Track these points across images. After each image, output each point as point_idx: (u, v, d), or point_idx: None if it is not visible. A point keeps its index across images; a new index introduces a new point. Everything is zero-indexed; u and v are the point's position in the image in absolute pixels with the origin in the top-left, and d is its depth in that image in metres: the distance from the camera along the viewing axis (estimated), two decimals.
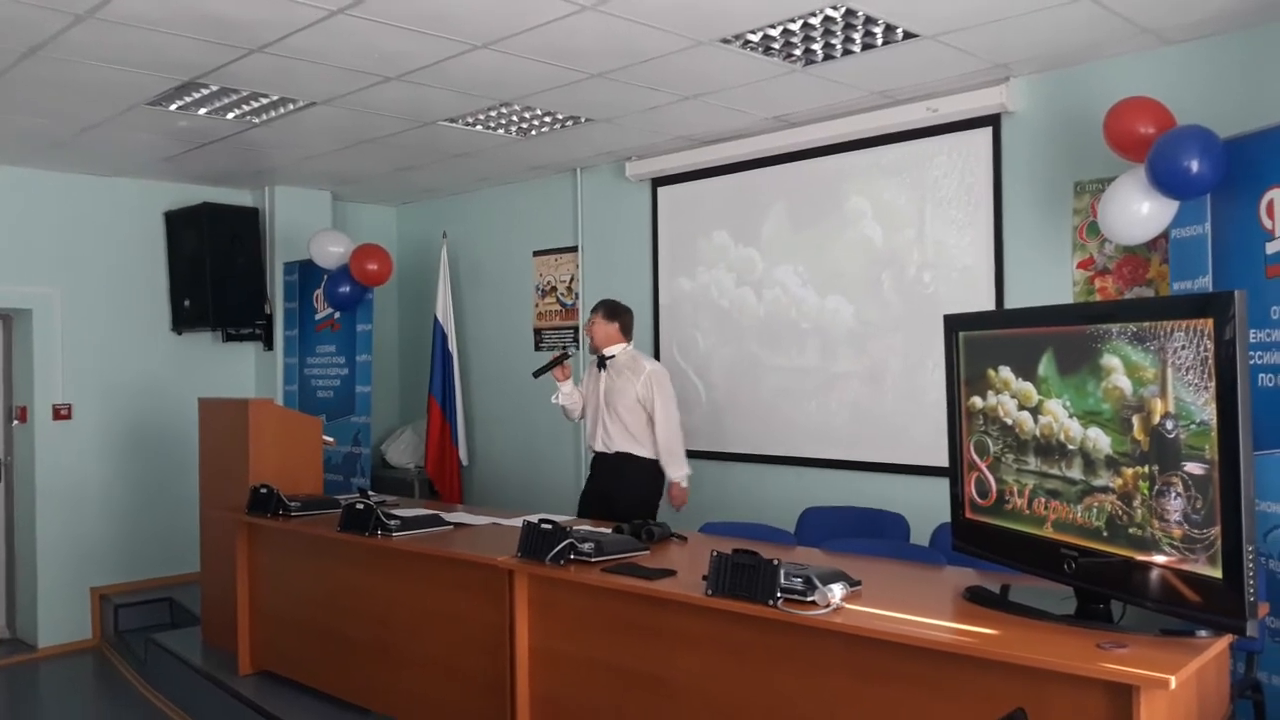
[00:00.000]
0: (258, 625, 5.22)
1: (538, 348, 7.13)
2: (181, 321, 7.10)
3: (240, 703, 4.96)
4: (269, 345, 7.38)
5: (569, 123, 5.62)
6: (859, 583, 2.98)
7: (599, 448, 5.25)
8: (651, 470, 5.17)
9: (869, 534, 4.32)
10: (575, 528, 3.79)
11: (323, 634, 4.77)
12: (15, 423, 6.84)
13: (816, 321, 5.67)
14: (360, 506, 4.49)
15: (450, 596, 4.03)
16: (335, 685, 4.71)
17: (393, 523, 4.39)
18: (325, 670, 4.78)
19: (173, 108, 5.21)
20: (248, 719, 4.88)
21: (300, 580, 4.96)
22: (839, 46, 4.36)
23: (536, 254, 7.19)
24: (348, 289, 6.69)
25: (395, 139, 5.96)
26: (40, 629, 6.66)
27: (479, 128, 5.71)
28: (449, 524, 4.57)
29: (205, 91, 4.95)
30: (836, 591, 2.80)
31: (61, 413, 6.72)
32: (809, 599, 2.80)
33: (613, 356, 5.24)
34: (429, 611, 4.15)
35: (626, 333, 5.29)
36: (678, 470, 5.17)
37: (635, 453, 5.15)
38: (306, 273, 7.16)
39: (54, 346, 6.70)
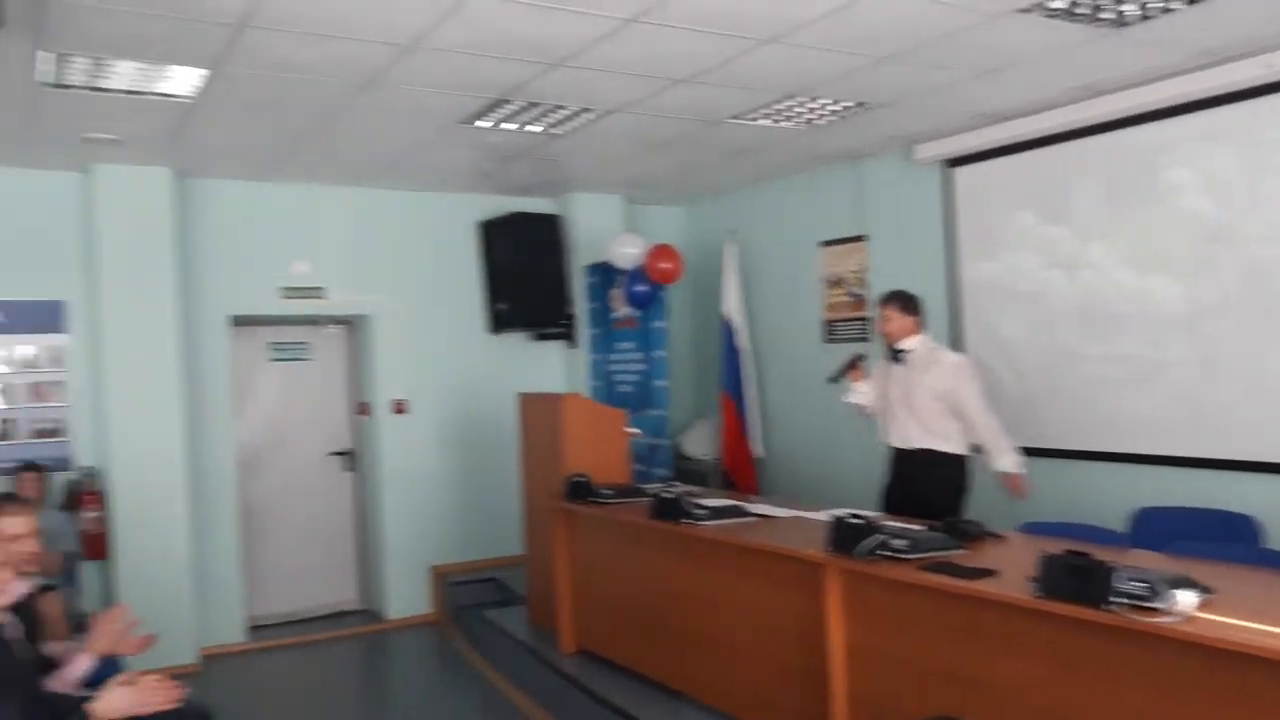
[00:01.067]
0: (577, 606, 5.57)
1: (829, 340, 7.09)
2: (497, 323, 7.69)
3: (564, 679, 5.31)
4: (574, 343, 7.84)
5: (855, 110, 5.54)
6: (1212, 590, 2.73)
7: (897, 444, 5.09)
8: (957, 465, 4.96)
9: (1214, 538, 3.95)
10: (884, 523, 3.74)
11: (638, 617, 5.00)
12: (361, 417, 7.70)
13: (1138, 304, 5.25)
14: (668, 495, 4.67)
15: (760, 586, 4.10)
16: (651, 667, 4.91)
17: (700, 511, 4.53)
18: (641, 652, 5.00)
19: (483, 125, 5.64)
20: (571, 695, 5.21)
21: (615, 564, 5.23)
22: (1158, 5, 4.01)
23: (823, 245, 7.14)
24: (643, 288, 6.98)
25: (683, 140, 6.13)
26: (389, 602, 7.47)
27: (765, 122, 5.75)
28: (752, 515, 4.66)
29: (511, 108, 5.32)
30: (1187, 599, 2.59)
31: (399, 407, 7.49)
32: (1154, 605, 2.61)
33: (909, 350, 5.04)
34: (739, 599, 4.24)
35: (921, 324, 5.10)
36: (1007, 458, 4.83)
37: (938, 448, 4.95)
38: (604, 274, 7.54)
39: (390, 349, 7.48)
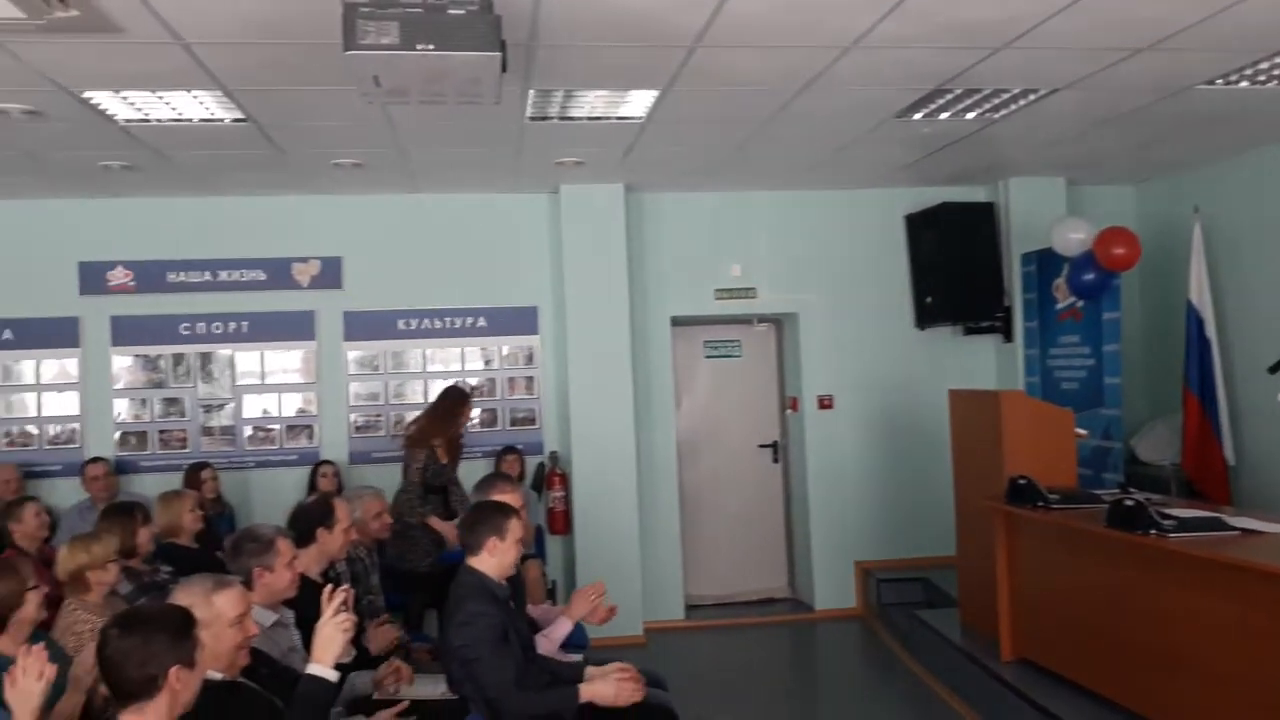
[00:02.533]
0: (1018, 614, 5.31)
1: None
2: (924, 318, 7.54)
3: (1003, 687, 5.10)
4: (1008, 337, 7.46)
5: None
6: None
7: None
8: None
9: None
10: None
11: (1087, 630, 4.67)
12: (789, 411, 7.92)
13: None
14: (1130, 503, 4.30)
15: (1241, 608, 3.65)
16: (1102, 683, 4.58)
17: (1168, 522, 4.12)
18: (1091, 667, 4.68)
19: (917, 116, 5.55)
20: (1010, 703, 5.00)
21: (1063, 573, 4.92)
22: None
23: None
24: (1092, 276, 6.44)
25: (1139, 114, 5.59)
26: (816, 593, 7.62)
27: (1244, 84, 5.07)
28: (1234, 529, 4.14)
29: (949, 96, 5.18)
30: None
31: (825, 403, 7.61)
32: None
33: None
34: (1217, 621, 3.81)
35: None
36: None
37: None
38: (1045, 262, 7.08)
39: (816, 345, 7.63)
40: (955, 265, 7.25)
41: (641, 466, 7.20)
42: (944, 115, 5.54)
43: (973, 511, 5.84)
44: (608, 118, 5.35)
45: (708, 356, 8.00)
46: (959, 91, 5.10)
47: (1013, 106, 5.40)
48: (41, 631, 3.70)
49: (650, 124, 5.47)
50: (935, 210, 7.34)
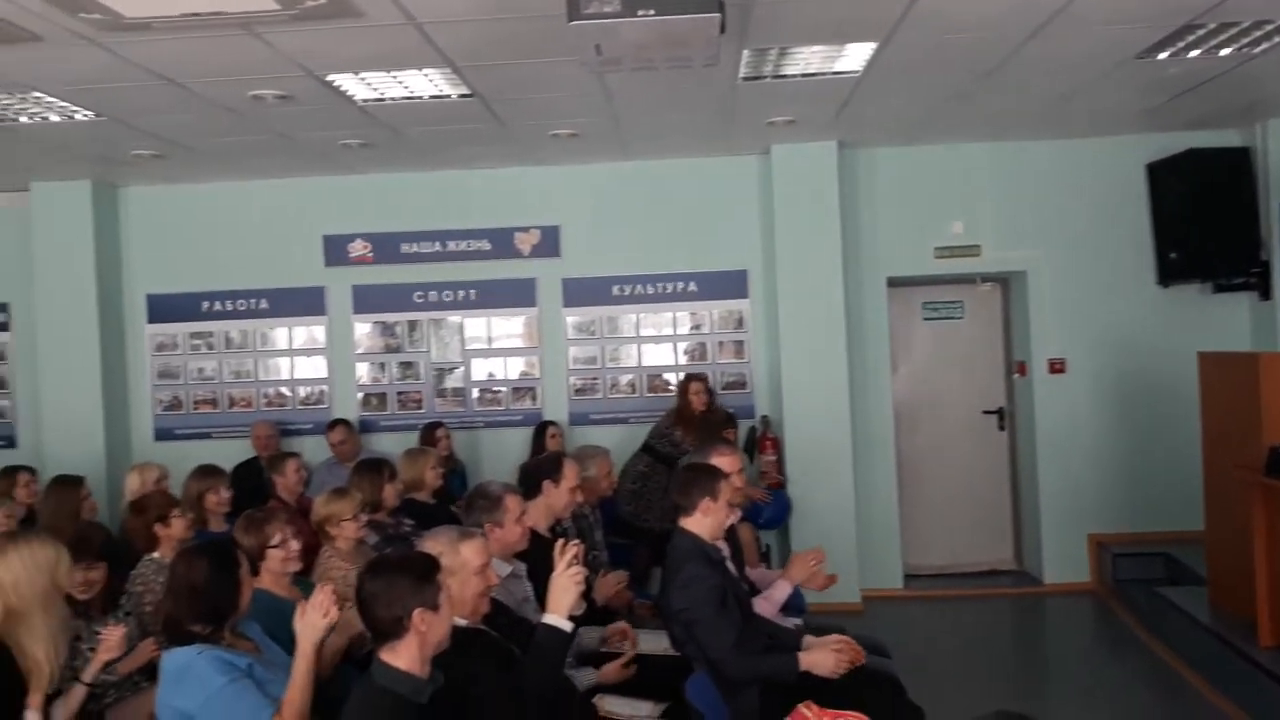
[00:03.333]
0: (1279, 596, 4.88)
1: None
2: (1167, 274, 6.97)
3: (1262, 673, 4.72)
4: (1265, 295, 6.78)
5: None
6: None
7: None
8: None
9: None
10: None
11: None
12: (1015, 376, 7.55)
13: None
14: None
15: None
16: None
17: None
18: None
19: (1162, 56, 5.10)
20: (1271, 693, 4.62)
21: None
22: None
23: None
24: None
25: None
26: (1045, 566, 7.26)
27: None
28: None
29: (1200, 32, 4.73)
30: None
31: (1056, 366, 7.20)
32: None
33: None
34: None
35: None
36: None
37: None
38: None
39: (1046, 305, 7.21)
40: (1204, 217, 6.65)
41: (857, 432, 7.07)
42: (1193, 53, 5.07)
43: (1225, 484, 5.38)
44: (823, 73, 5.23)
45: (926, 319, 7.72)
46: (1212, 26, 4.65)
47: (1277, 39, 4.87)
48: (302, 575, 4.08)
49: (867, 77, 5.31)
50: (1180, 158, 6.76)
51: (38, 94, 4.96)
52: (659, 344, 7.46)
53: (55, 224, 7.22)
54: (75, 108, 5.22)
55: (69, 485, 5.34)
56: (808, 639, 3.75)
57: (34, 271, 7.25)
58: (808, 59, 4.98)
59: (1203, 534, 5.83)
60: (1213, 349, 5.98)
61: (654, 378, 7.45)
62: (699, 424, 6.45)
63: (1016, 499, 7.67)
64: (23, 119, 5.38)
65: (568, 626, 2.98)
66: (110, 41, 4.18)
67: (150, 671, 3.50)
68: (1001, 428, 7.69)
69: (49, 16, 3.83)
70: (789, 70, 5.15)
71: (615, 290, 7.43)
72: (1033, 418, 7.27)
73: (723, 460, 4.28)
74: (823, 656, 3.52)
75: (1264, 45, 4.95)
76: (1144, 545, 6.89)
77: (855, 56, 4.96)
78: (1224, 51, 5.06)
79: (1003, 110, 6.25)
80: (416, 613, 2.47)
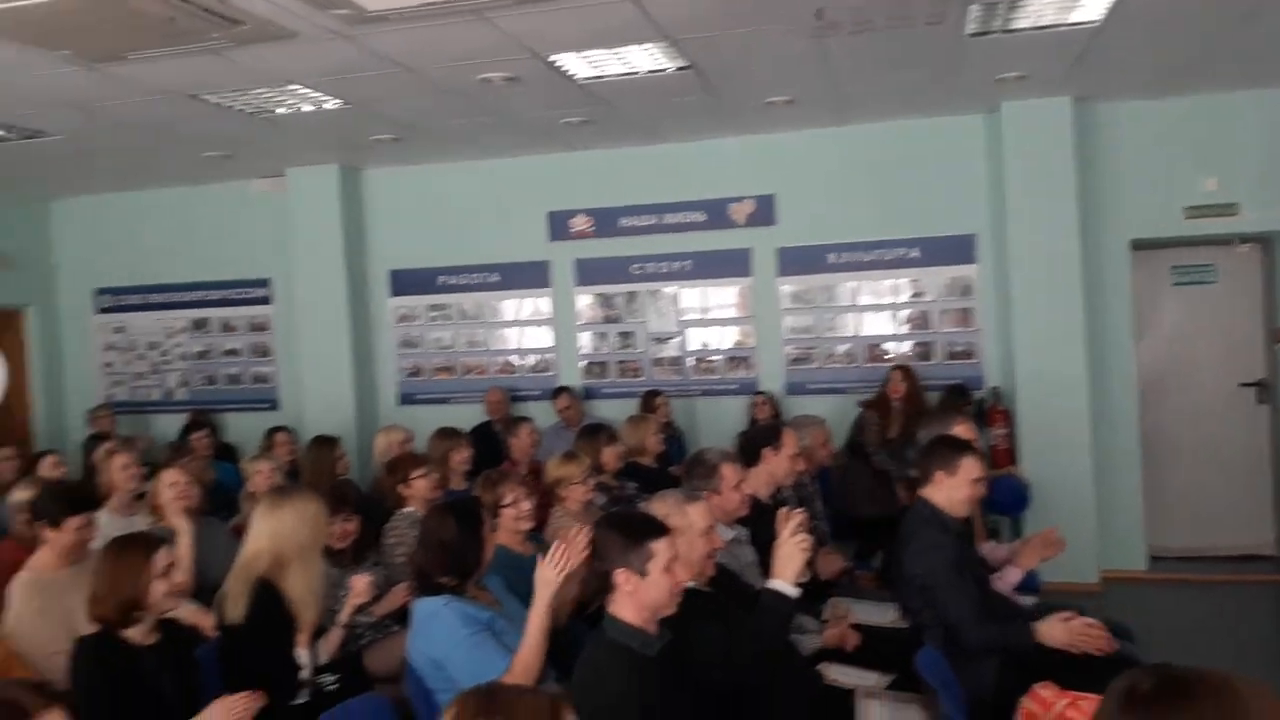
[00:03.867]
0: None
1: None
2: None
3: None
4: None
5: None
6: None
7: None
8: None
9: None
10: None
11: None
12: (1278, 345, 6.86)
13: None
14: None
15: None
16: None
17: None
18: None
19: None
20: None
21: None
22: None
23: None
24: None
25: None
26: None
27: None
28: None
29: None
30: None
31: None
32: None
33: None
34: None
35: None
36: None
37: None
38: None
39: None
40: None
41: (1095, 404, 6.64)
42: None
43: None
44: (1057, 26, 4.90)
45: (1175, 284, 7.11)
46: None
47: None
48: (535, 532, 4.29)
49: (1108, 26, 4.92)
50: None
51: (294, 86, 5.40)
52: (878, 313, 7.27)
53: (308, 206, 7.85)
54: (326, 97, 5.65)
55: (326, 445, 5.85)
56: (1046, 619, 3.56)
57: (291, 250, 7.93)
58: (1040, 10, 4.69)
59: None
60: None
61: (873, 347, 7.28)
62: (903, 412, 6.41)
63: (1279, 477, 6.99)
64: (280, 110, 5.87)
65: (794, 592, 2.99)
66: (355, 34, 4.49)
67: (402, 617, 3.78)
68: (1261, 401, 7.00)
69: (304, 14, 4.15)
70: (1019, 24, 4.87)
71: (831, 258, 7.29)
72: None
73: (960, 431, 4.15)
74: (1058, 630, 3.35)
75: None
76: None
77: (1094, 6, 4.62)
78: None
79: (1269, 52, 5.64)
80: (620, 572, 2.53)
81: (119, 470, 4.74)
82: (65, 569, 3.65)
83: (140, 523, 4.42)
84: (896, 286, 7.24)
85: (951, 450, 3.64)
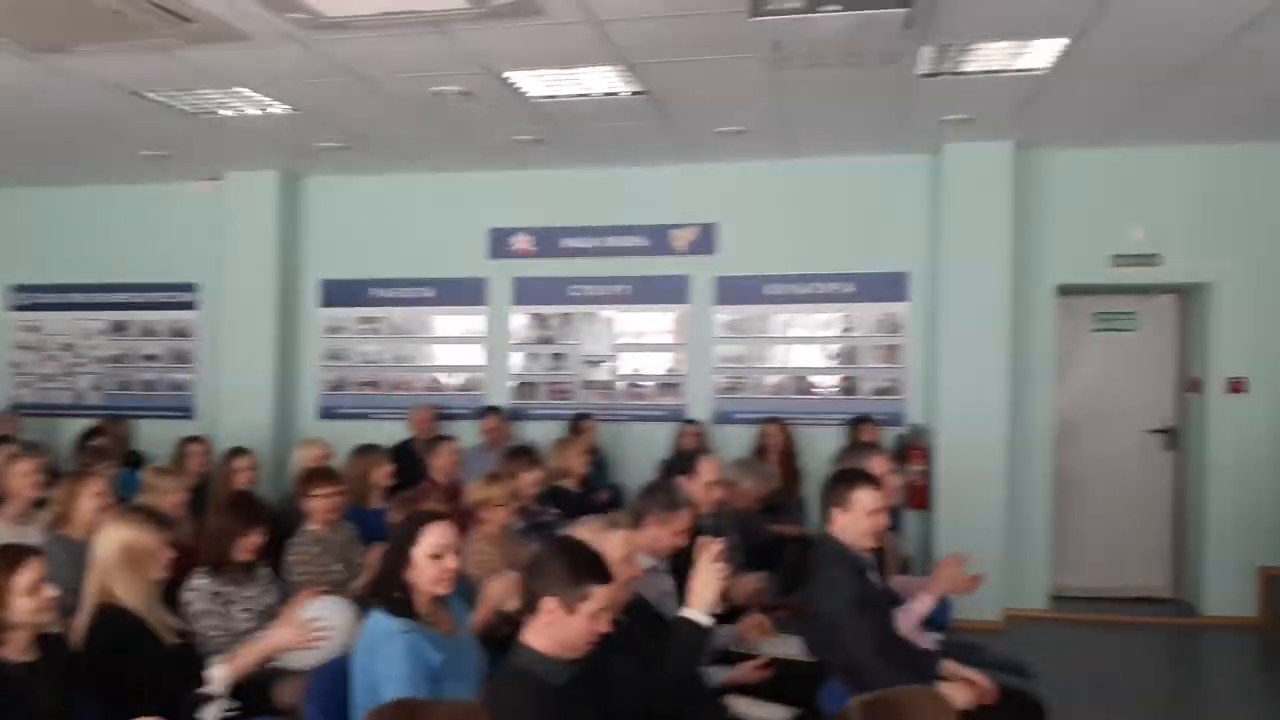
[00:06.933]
0: None
1: None
2: None
3: None
4: None
5: None
6: None
7: None
8: None
9: None
10: None
11: None
12: (1189, 394, 7.09)
13: None
14: None
15: None
16: None
17: None
18: None
19: None
20: None
21: None
22: None
23: None
24: None
25: None
26: (1205, 597, 6.81)
27: None
28: None
29: None
30: None
31: (1236, 385, 6.71)
32: None
33: None
34: None
35: None
36: None
37: None
38: None
39: (1232, 319, 6.73)
40: None
41: (1013, 444, 6.79)
42: None
43: None
44: (1005, 71, 5.06)
45: (1095, 329, 7.33)
46: None
47: None
48: None
49: (1054, 75, 5.09)
50: None
51: (241, 89, 5.32)
52: (808, 345, 7.36)
53: (244, 210, 7.72)
54: (273, 101, 5.57)
55: (240, 457, 5.68)
56: (948, 667, 3.59)
57: (222, 254, 7.76)
58: (990, 55, 4.84)
59: None
60: None
61: (800, 379, 7.37)
62: (779, 464, 6.61)
63: (1179, 523, 7.21)
64: (224, 112, 5.77)
65: (707, 621, 2.98)
66: (309, 39, 4.45)
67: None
68: (1168, 447, 7.24)
69: (258, 16, 4.10)
70: (970, 67, 5.02)
71: (768, 289, 7.38)
72: (1205, 439, 6.81)
73: (875, 465, 4.19)
74: (960, 694, 3.38)
75: None
76: None
77: (1043, 53, 4.78)
78: None
79: (1202, 111, 5.89)
80: (549, 600, 2.50)
81: (20, 476, 4.54)
82: None
83: (34, 534, 4.21)
84: (829, 320, 7.34)
85: (844, 485, 3.66)
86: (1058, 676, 5.08)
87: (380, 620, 2.93)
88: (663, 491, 3.79)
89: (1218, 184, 6.70)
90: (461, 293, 7.77)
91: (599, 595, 2.53)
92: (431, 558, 2.94)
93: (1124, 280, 6.90)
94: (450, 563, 2.97)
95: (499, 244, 7.70)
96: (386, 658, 2.83)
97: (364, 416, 7.82)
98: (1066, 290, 7.01)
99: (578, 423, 7.07)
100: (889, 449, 6.84)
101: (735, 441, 6.92)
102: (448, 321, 7.86)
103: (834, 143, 6.78)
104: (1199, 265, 6.76)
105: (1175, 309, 7.25)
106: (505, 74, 5.07)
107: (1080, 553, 7.22)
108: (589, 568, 2.58)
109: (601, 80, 5.19)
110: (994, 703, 3.40)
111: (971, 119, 6.08)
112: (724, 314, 7.46)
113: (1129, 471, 7.27)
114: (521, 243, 7.68)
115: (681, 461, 4.53)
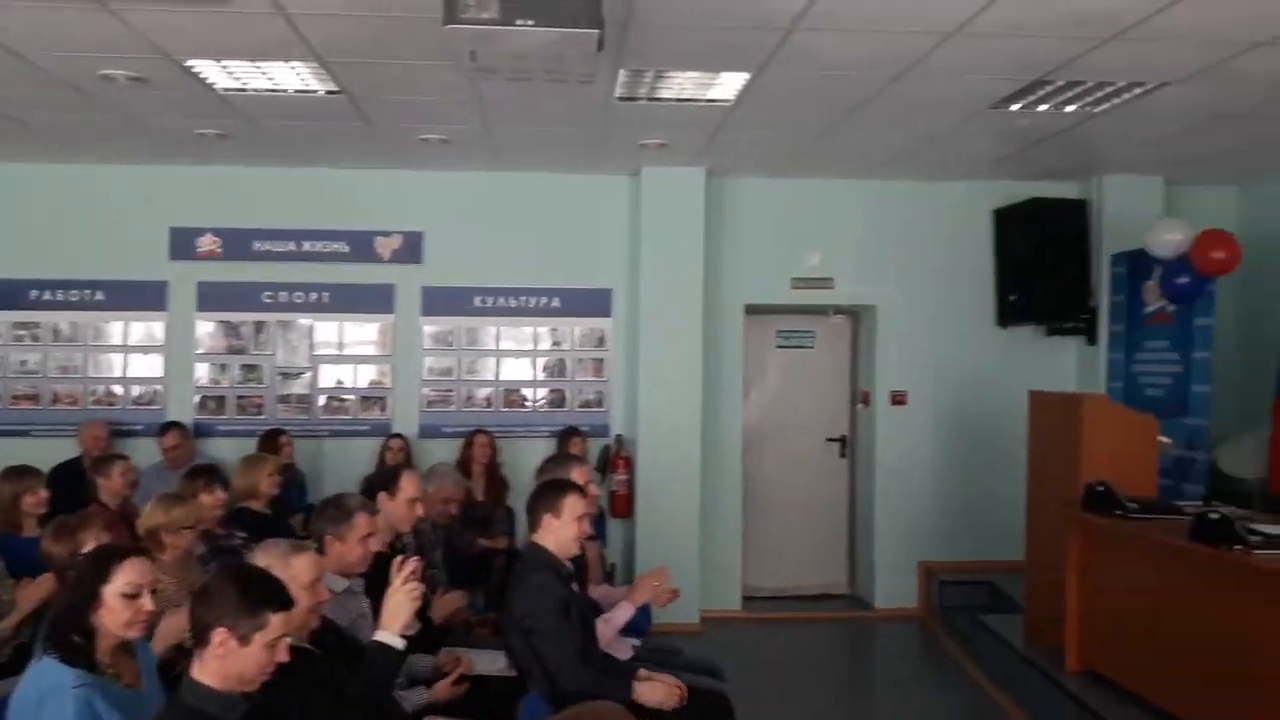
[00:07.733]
0: (1087, 623, 5.18)
1: None
2: (1006, 316, 7.36)
3: (1066, 697, 5.00)
4: (1092, 340, 7.25)
5: None
6: None
7: None
8: None
9: None
10: None
11: (1160, 644, 4.56)
12: (859, 406, 7.81)
13: None
14: (1215, 516, 4.15)
15: None
16: (1172, 701, 4.48)
17: (1254, 539, 3.97)
18: (1161, 682, 4.56)
19: (1015, 108, 5.37)
20: (1073, 715, 4.89)
21: (1137, 584, 4.79)
22: None
23: None
24: (1186, 280, 6.20)
25: (1257, 111, 5.33)
26: (876, 592, 7.52)
27: None
28: None
29: (1050, 87, 5.00)
30: None
31: (898, 398, 7.49)
32: None
33: None
34: None
35: None
36: None
37: None
38: (1136, 264, 6.84)
39: (893, 339, 7.50)
40: (1042, 263, 7.05)
41: (706, 454, 7.16)
42: (1043, 107, 5.35)
43: (1045, 517, 5.69)
44: (696, 100, 5.31)
45: (779, 346, 7.90)
46: (1061, 83, 4.94)
47: (1116, 100, 5.19)
48: None
49: (739, 107, 5.41)
50: (1026, 206, 7.15)
51: None
52: (518, 358, 7.39)
53: None
54: None
55: None
56: (642, 672, 3.71)
57: None
58: (682, 84, 5.05)
59: (1024, 564, 6.12)
60: (1043, 389, 6.33)
61: (511, 392, 7.38)
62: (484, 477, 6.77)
63: (853, 525, 7.93)
64: None
65: (399, 644, 2.90)
66: None
67: None
68: (843, 455, 7.93)
69: None
70: (664, 94, 5.21)
71: (477, 301, 7.33)
72: (873, 447, 7.54)
73: (574, 476, 4.26)
74: (659, 690, 3.52)
75: (1105, 104, 5.27)
76: (970, 574, 7.22)
77: (728, 85, 5.05)
78: (1069, 108, 5.36)
79: (866, 149, 6.47)
80: (219, 631, 2.32)
81: None
82: None
83: None
84: (538, 334, 7.40)
85: (555, 492, 3.74)
86: (748, 673, 5.43)
87: (51, 669, 2.59)
88: (329, 507, 3.63)
89: (881, 216, 7.43)
90: (138, 296, 7.09)
91: (276, 623, 2.37)
92: (125, 597, 2.67)
93: (803, 301, 7.50)
94: (146, 603, 2.70)
95: (182, 244, 7.10)
96: (55, 718, 2.50)
97: (22, 434, 6.93)
98: (753, 309, 7.50)
99: (271, 439, 6.64)
100: (595, 460, 7.06)
101: (442, 456, 6.78)
102: (122, 328, 7.14)
103: (539, 158, 6.85)
104: (865, 290, 7.48)
105: (848, 329, 7.96)
106: (187, 61, 4.68)
107: (768, 555, 7.73)
108: (264, 594, 2.41)
109: (294, 76, 4.93)
110: (685, 704, 3.56)
111: (667, 144, 6.36)
112: (432, 325, 7.31)
113: (810, 478, 7.89)
114: (208, 244, 7.12)
115: (383, 478, 4.37)
